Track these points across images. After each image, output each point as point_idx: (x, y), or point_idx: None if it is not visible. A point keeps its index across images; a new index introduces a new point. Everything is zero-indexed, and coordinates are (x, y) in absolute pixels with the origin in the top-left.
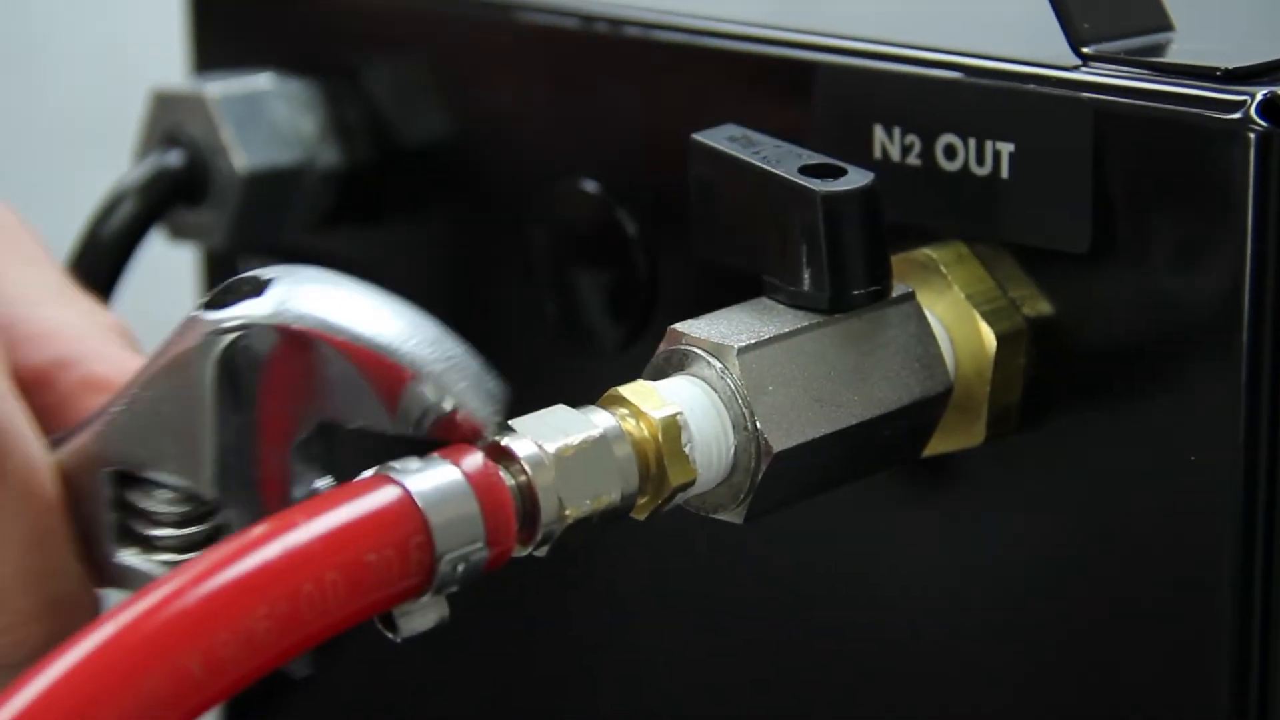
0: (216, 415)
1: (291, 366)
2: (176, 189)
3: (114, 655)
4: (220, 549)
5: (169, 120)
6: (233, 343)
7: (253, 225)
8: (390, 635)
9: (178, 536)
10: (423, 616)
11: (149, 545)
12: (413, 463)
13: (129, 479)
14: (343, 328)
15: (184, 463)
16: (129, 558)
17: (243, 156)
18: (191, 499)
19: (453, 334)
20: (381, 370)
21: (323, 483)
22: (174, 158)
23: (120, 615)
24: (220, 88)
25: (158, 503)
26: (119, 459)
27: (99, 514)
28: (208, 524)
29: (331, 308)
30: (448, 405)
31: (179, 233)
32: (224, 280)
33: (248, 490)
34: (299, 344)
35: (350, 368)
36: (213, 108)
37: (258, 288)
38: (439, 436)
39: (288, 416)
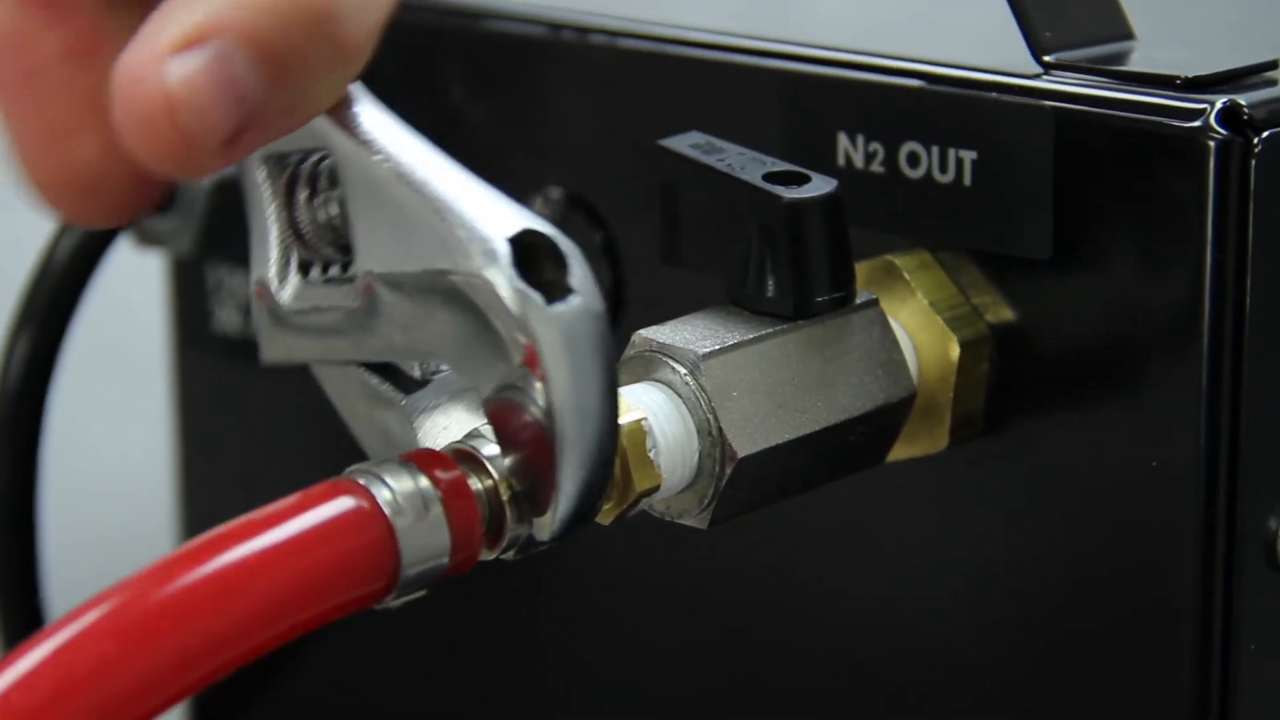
0: (426, 281)
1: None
2: None
3: (82, 649)
4: (184, 550)
5: None
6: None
7: (220, 232)
8: None
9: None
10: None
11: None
12: (380, 468)
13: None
14: (569, 390)
15: (373, 237)
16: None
17: None
18: (342, 245)
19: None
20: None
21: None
22: None
23: (87, 614)
24: None
25: (319, 211)
26: (350, 190)
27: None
28: (331, 270)
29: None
30: (556, 480)
31: (146, 240)
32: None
33: (390, 300)
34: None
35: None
36: None
37: (559, 282)
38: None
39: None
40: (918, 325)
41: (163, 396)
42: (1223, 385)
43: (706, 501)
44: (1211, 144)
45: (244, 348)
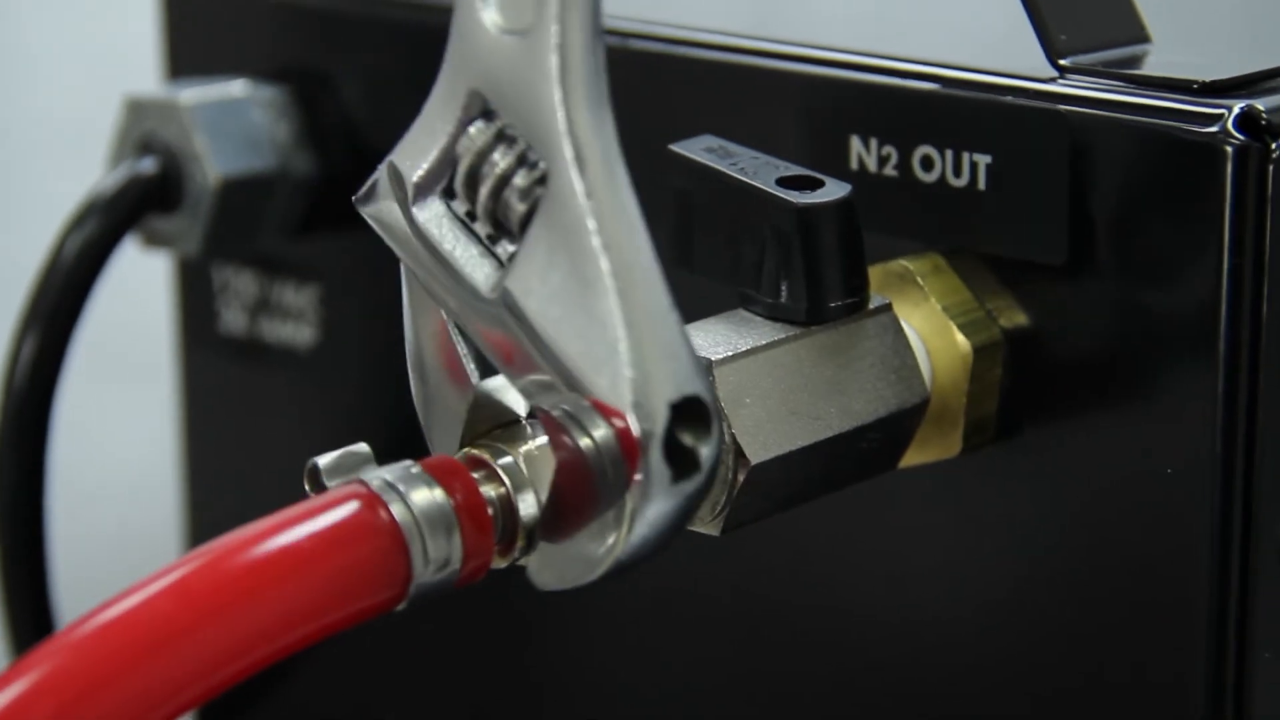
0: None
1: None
2: (149, 197)
3: (84, 664)
4: (190, 560)
5: (142, 128)
6: None
7: (226, 233)
8: None
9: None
10: None
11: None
12: (392, 474)
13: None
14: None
15: (535, 273)
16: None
17: (216, 164)
18: (500, 224)
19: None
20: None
21: None
22: (147, 165)
23: (103, 614)
24: (194, 94)
25: (504, 192)
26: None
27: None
28: (476, 224)
29: None
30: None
31: (152, 240)
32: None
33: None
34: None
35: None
36: (186, 115)
37: (693, 457)
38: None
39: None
40: (931, 330)
41: (169, 397)
42: (1239, 391)
43: (719, 509)
44: (1229, 149)
45: (250, 349)
